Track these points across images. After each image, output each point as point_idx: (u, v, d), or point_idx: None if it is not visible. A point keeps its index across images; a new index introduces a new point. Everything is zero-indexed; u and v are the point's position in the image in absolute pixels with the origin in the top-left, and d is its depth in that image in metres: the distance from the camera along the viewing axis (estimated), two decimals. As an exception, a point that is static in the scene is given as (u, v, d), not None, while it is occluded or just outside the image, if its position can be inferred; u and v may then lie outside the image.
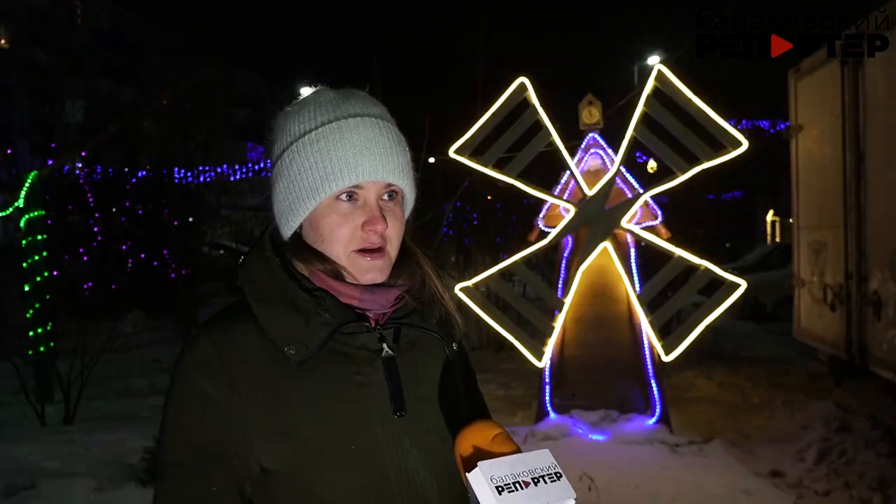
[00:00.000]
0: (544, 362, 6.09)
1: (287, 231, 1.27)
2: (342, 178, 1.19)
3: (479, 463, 1.00)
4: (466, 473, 1.02)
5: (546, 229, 6.55)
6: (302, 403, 1.17)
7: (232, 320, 1.22)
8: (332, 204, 1.21)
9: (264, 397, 1.16)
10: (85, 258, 12.63)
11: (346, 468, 1.17)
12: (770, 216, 31.31)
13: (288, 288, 1.21)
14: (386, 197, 1.24)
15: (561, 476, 1.02)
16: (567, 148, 6.10)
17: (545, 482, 1.00)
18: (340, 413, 1.18)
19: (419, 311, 1.31)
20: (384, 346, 1.24)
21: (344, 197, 1.21)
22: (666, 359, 5.83)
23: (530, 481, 0.99)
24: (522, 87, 5.95)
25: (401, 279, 1.28)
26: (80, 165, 16.41)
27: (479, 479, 0.98)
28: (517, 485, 0.98)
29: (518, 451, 1.07)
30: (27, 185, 8.01)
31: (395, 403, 1.22)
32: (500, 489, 0.97)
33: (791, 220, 6.96)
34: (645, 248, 6.47)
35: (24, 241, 8.04)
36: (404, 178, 1.26)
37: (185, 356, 1.20)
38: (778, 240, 29.87)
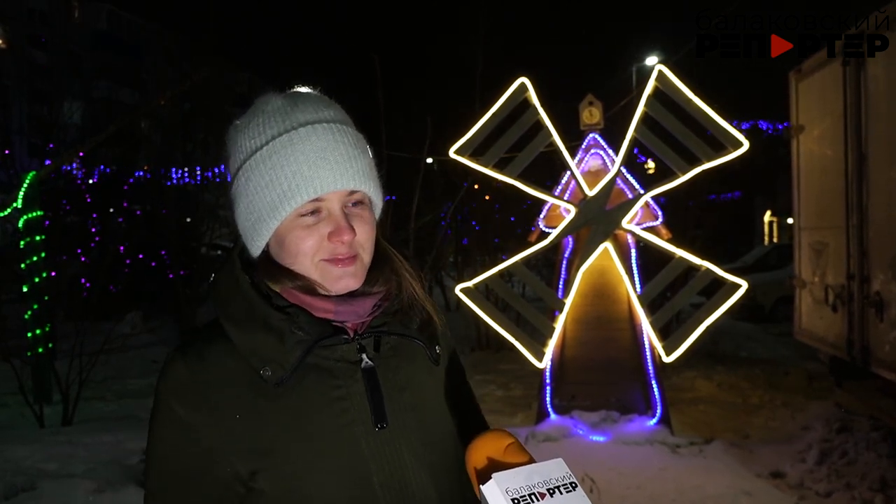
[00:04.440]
0: (545, 363, 6.07)
1: (255, 250, 1.23)
2: (300, 193, 1.15)
3: (494, 475, 0.98)
4: (480, 486, 1.00)
5: (547, 230, 6.54)
6: (282, 423, 1.14)
7: (206, 342, 1.19)
8: (295, 219, 1.17)
9: (243, 420, 1.14)
10: (83, 259, 12.60)
11: (333, 485, 1.14)
12: (768, 216, 31.35)
13: (259, 307, 1.17)
14: (351, 204, 1.20)
15: (577, 486, 1.00)
16: (567, 148, 6.09)
17: (561, 493, 0.98)
18: (322, 430, 1.15)
19: (399, 316, 1.27)
20: (363, 356, 1.21)
21: (307, 212, 1.17)
22: (667, 359, 5.82)
23: (546, 492, 0.97)
24: (523, 87, 5.94)
25: (377, 286, 1.24)
26: (75, 166, 16.37)
27: (495, 492, 0.96)
28: (533, 496, 0.96)
29: (531, 461, 1.05)
30: (25, 185, 7.98)
31: (375, 416, 1.18)
32: (515, 501, 0.95)
33: (790, 221, 6.96)
34: (645, 249, 6.46)
35: (22, 242, 8.01)
36: (367, 182, 1.21)
37: (161, 380, 1.18)
38: (776, 240, 29.92)
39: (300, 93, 1.25)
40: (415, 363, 1.27)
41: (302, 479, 1.13)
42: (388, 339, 1.25)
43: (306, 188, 1.15)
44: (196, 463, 1.14)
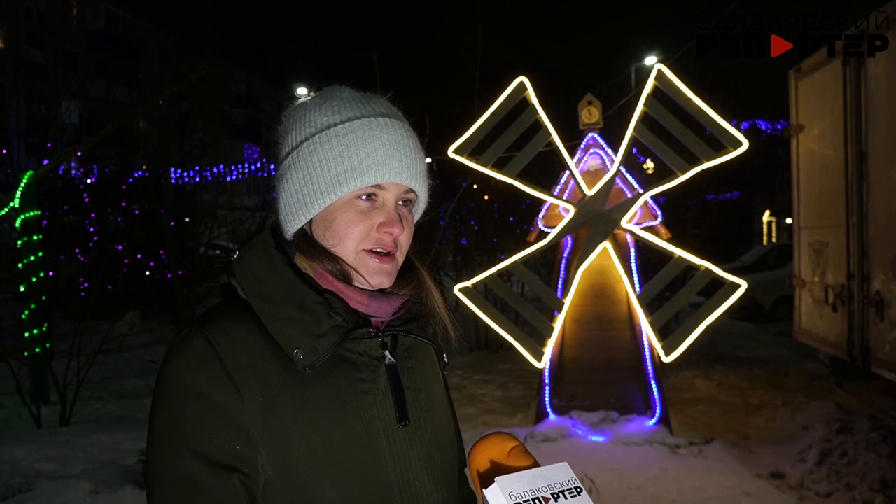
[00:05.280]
0: (544, 363, 6.05)
1: (295, 225, 1.21)
2: (369, 174, 1.15)
3: (497, 478, 0.96)
4: (483, 489, 0.98)
5: (546, 229, 6.52)
6: (307, 410, 1.11)
7: (228, 318, 1.14)
8: (351, 201, 1.17)
9: (267, 401, 1.09)
10: (81, 258, 12.57)
11: (351, 480, 1.12)
12: (766, 216, 31.39)
13: (296, 287, 1.15)
14: (401, 202, 1.21)
15: (581, 491, 0.98)
16: (566, 148, 6.07)
17: (565, 498, 0.96)
18: (347, 422, 1.13)
19: (416, 321, 1.29)
20: (386, 353, 1.20)
21: (364, 196, 1.17)
22: (666, 359, 5.81)
23: (550, 497, 0.96)
24: (522, 86, 5.92)
25: (404, 289, 1.25)
26: (74, 165, 16.35)
27: (498, 496, 0.94)
28: (536, 501, 0.94)
29: (536, 464, 1.03)
30: (23, 185, 7.95)
31: (399, 413, 1.18)
32: None
33: (789, 221, 6.96)
34: (645, 249, 6.44)
35: (19, 242, 7.99)
36: (423, 186, 1.24)
37: (177, 357, 1.11)
38: (774, 240, 29.97)
39: (374, 94, 1.28)
40: (425, 366, 1.29)
41: (320, 470, 1.10)
42: (402, 341, 1.26)
43: (376, 171, 1.16)
44: (226, 444, 1.07)
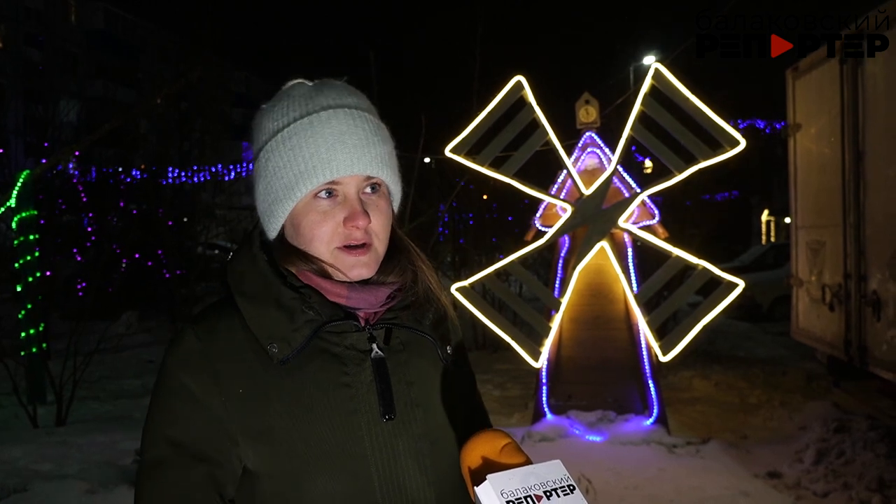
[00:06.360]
0: (541, 363, 6.05)
1: (271, 232, 1.24)
2: (316, 175, 1.16)
3: (489, 476, 0.95)
4: (475, 487, 0.97)
5: (543, 229, 6.52)
6: (285, 403, 1.13)
7: (218, 317, 1.20)
8: (310, 202, 1.18)
9: (247, 395, 1.13)
10: (78, 258, 12.56)
11: (330, 473, 1.13)
12: (765, 216, 31.40)
13: (273, 285, 1.18)
14: (368, 190, 1.20)
15: (574, 489, 0.97)
16: (564, 147, 6.06)
17: (558, 495, 0.95)
18: (325, 415, 1.14)
19: (412, 310, 1.26)
20: (374, 346, 1.20)
21: (322, 194, 1.18)
22: (663, 359, 5.80)
23: (542, 495, 0.95)
24: (519, 85, 5.91)
25: (391, 276, 1.24)
26: (72, 165, 16.33)
27: (489, 493, 0.93)
28: (529, 499, 0.93)
29: (528, 462, 1.02)
30: (19, 184, 7.94)
31: (383, 406, 1.17)
32: None
33: (787, 220, 6.95)
34: (642, 248, 6.43)
35: (16, 241, 7.98)
36: (384, 169, 1.21)
37: (170, 352, 1.18)
38: (773, 239, 29.98)
39: (327, 81, 1.27)
40: (424, 359, 1.26)
41: (298, 463, 1.12)
42: (398, 333, 1.24)
43: (322, 170, 1.16)
44: (200, 435, 1.13)
